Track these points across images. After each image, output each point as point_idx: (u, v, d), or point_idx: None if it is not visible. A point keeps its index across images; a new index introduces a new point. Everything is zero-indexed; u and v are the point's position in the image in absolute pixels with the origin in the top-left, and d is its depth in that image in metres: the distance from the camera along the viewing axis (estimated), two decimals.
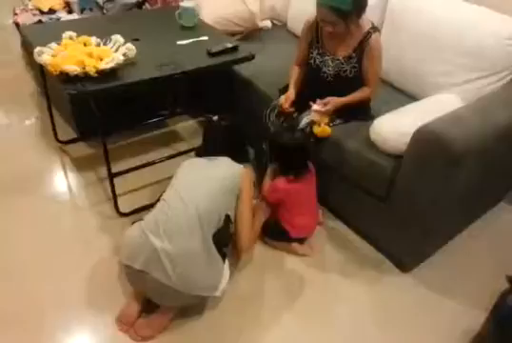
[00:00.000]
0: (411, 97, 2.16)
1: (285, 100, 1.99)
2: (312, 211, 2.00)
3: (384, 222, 1.88)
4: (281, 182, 1.87)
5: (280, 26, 2.86)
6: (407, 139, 1.65)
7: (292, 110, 2.00)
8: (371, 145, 1.82)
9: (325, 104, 1.90)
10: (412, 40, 2.10)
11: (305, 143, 1.88)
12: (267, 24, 2.78)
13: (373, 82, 1.94)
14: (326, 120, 1.91)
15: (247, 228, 1.75)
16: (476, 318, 1.71)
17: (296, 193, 1.88)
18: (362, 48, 1.86)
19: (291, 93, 2.01)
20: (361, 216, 2.01)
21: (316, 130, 1.91)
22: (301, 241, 1.98)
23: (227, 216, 1.65)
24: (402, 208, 1.77)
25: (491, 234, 2.15)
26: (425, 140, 1.58)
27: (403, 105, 1.92)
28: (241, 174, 1.71)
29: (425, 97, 2.03)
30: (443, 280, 1.91)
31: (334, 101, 1.91)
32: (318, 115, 1.90)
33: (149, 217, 1.61)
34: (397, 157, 1.74)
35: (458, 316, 1.77)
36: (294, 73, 2.08)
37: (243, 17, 2.53)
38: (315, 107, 1.89)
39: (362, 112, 2.00)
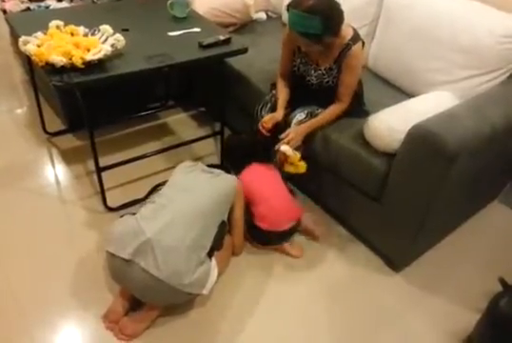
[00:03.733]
0: (406, 94, 2.13)
1: (269, 120, 1.88)
2: (279, 201, 1.87)
3: (376, 221, 1.86)
4: (239, 179, 1.90)
5: (275, 18, 2.81)
6: (401, 137, 1.63)
7: (268, 134, 1.90)
8: (364, 142, 1.79)
9: (287, 135, 1.84)
10: (408, 36, 2.06)
11: (252, 145, 1.97)
12: (262, 16, 2.74)
13: (346, 96, 1.87)
14: (298, 156, 1.84)
15: (241, 232, 1.87)
16: (466, 319, 1.71)
17: (255, 183, 1.88)
18: (341, 59, 1.81)
19: (279, 115, 1.91)
20: (353, 214, 1.99)
21: (288, 168, 1.87)
22: (287, 240, 1.93)
23: (223, 222, 1.70)
24: (394, 206, 1.75)
25: (484, 233, 2.14)
26: (420, 138, 1.55)
27: (398, 102, 1.88)
28: (236, 184, 1.80)
29: (421, 94, 1.99)
30: (433, 279, 1.90)
31: (295, 130, 1.85)
32: (290, 149, 1.81)
33: (146, 208, 1.63)
34: (391, 155, 1.72)
35: (448, 317, 1.75)
36: (281, 91, 1.97)
37: (236, 9, 2.48)
38: (282, 147, 1.82)
39: (354, 110, 1.95)
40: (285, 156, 1.84)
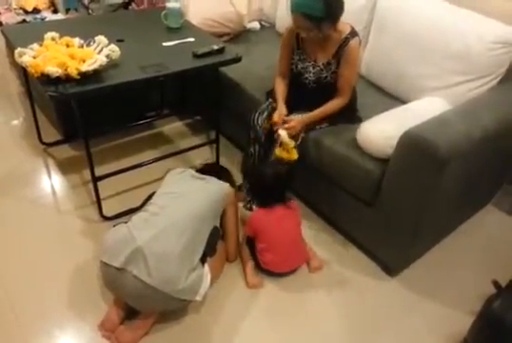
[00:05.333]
0: (399, 100, 2.16)
1: (279, 117, 1.93)
2: (287, 249, 1.82)
3: (370, 226, 1.87)
4: (256, 213, 1.86)
5: (268, 27, 2.85)
6: (394, 143, 1.65)
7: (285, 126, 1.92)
8: (358, 148, 1.81)
9: (286, 122, 1.88)
10: (400, 42, 2.10)
11: (286, 176, 1.85)
12: (255, 25, 2.77)
13: (346, 91, 1.90)
14: (292, 144, 1.87)
15: (234, 239, 1.87)
16: (462, 321, 1.71)
17: (269, 226, 1.80)
18: (339, 54, 1.85)
19: (282, 109, 1.95)
20: (347, 220, 2.00)
21: (278, 152, 1.89)
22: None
23: (216, 227, 1.71)
24: (388, 212, 1.76)
25: (478, 237, 2.15)
26: (412, 144, 1.57)
27: (390, 108, 1.91)
28: (228, 190, 1.81)
29: (412, 100, 2.02)
30: (429, 284, 1.91)
31: (296, 119, 1.89)
32: (286, 135, 1.85)
33: (138, 217, 1.64)
34: (383, 161, 1.73)
35: (444, 320, 1.76)
36: (280, 88, 2.02)
37: (230, 18, 2.51)
38: (280, 130, 1.86)
39: (347, 116, 1.99)
40: (281, 141, 1.87)
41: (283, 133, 1.85)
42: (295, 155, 1.88)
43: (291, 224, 1.86)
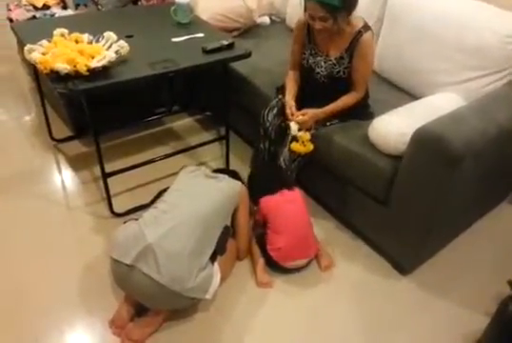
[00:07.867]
0: (411, 96, 2.12)
1: (290, 110, 1.91)
2: (297, 235, 1.79)
3: (382, 224, 1.84)
4: (264, 198, 1.86)
5: (278, 22, 2.82)
6: (407, 139, 1.62)
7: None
8: (370, 145, 1.78)
9: (303, 115, 1.87)
10: (412, 37, 2.06)
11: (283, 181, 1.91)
12: (266, 20, 2.74)
13: (361, 85, 1.89)
14: (308, 136, 1.86)
15: (245, 237, 1.86)
16: (475, 322, 1.68)
17: (277, 209, 1.81)
18: (352, 48, 1.82)
19: (290, 102, 1.94)
20: (359, 218, 1.98)
21: (294, 146, 1.88)
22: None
23: (227, 226, 1.70)
24: (401, 210, 1.73)
25: (492, 236, 2.11)
26: (425, 140, 1.54)
27: (403, 104, 1.88)
28: (240, 188, 1.81)
29: (426, 96, 1.99)
30: (442, 283, 1.88)
31: (312, 112, 1.87)
32: (296, 129, 1.86)
33: (148, 214, 1.64)
34: (396, 158, 1.71)
35: (457, 320, 1.73)
36: (290, 82, 2.01)
37: (240, 13, 2.48)
38: (292, 123, 1.87)
39: (359, 112, 1.96)
40: (295, 136, 1.87)
41: (294, 127, 1.85)
42: (311, 147, 1.88)
43: (299, 207, 1.85)
